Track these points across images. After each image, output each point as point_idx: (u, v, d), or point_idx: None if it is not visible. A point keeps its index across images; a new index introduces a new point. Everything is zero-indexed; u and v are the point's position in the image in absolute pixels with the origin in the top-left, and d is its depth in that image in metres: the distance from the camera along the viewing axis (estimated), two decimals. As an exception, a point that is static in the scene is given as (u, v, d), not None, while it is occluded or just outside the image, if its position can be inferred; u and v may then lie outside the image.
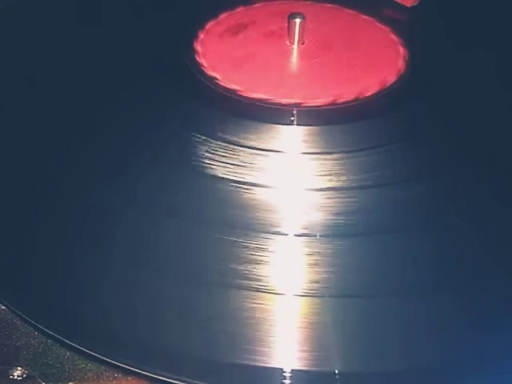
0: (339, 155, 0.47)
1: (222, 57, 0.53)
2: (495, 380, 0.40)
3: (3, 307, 0.45)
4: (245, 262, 0.42)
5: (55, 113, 0.50)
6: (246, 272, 0.42)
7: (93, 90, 0.52)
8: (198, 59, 0.53)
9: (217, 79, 0.51)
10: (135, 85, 0.52)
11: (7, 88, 0.53)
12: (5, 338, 0.45)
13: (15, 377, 0.44)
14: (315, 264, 0.42)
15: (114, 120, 0.50)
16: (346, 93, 0.50)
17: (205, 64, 0.53)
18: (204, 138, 0.47)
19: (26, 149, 0.49)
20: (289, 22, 0.54)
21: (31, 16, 0.59)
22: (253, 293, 0.41)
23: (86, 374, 0.44)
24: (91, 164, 0.47)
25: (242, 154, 0.46)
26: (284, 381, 0.38)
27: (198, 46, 0.54)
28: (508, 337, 0.41)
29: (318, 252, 0.43)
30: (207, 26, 0.56)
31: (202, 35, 0.55)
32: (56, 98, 0.51)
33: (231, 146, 0.47)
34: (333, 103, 0.50)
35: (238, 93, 0.50)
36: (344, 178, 0.46)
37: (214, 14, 0.57)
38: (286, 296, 0.41)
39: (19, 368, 0.44)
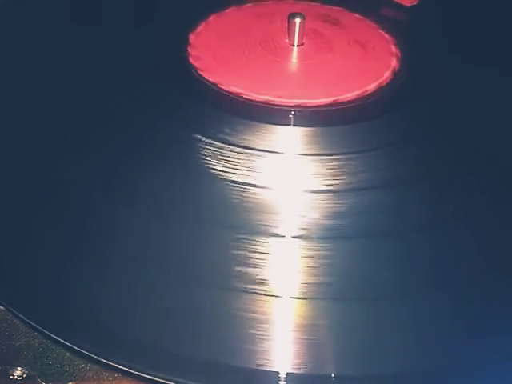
0: (337, 156, 0.47)
1: (221, 57, 0.53)
2: (493, 381, 0.40)
3: (2, 308, 0.45)
4: (242, 264, 0.42)
5: (54, 113, 0.50)
6: (243, 274, 0.42)
7: (89, 90, 0.52)
8: (195, 60, 0.53)
9: (215, 80, 0.51)
10: (132, 86, 0.52)
11: (6, 88, 0.53)
12: (5, 338, 0.45)
13: (15, 377, 0.44)
14: (312, 266, 0.42)
15: (113, 120, 0.50)
16: (345, 94, 0.50)
17: (203, 65, 0.52)
18: (202, 138, 0.47)
19: (24, 148, 0.49)
20: (288, 22, 0.54)
21: (30, 16, 0.59)
22: (249, 295, 0.41)
23: (85, 374, 0.44)
24: (90, 164, 0.48)
25: (240, 154, 0.46)
26: (279, 382, 0.39)
27: (195, 47, 0.54)
28: (505, 338, 0.41)
29: (315, 254, 0.43)
30: (202, 27, 0.56)
31: (198, 36, 0.55)
32: (54, 99, 0.51)
33: (229, 146, 0.47)
34: (331, 104, 0.50)
35: (237, 94, 0.50)
36: (342, 179, 0.46)
37: (208, 14, 0.57)
38: (282, 298, 0.41)
39: (19, 368, 0.44)
